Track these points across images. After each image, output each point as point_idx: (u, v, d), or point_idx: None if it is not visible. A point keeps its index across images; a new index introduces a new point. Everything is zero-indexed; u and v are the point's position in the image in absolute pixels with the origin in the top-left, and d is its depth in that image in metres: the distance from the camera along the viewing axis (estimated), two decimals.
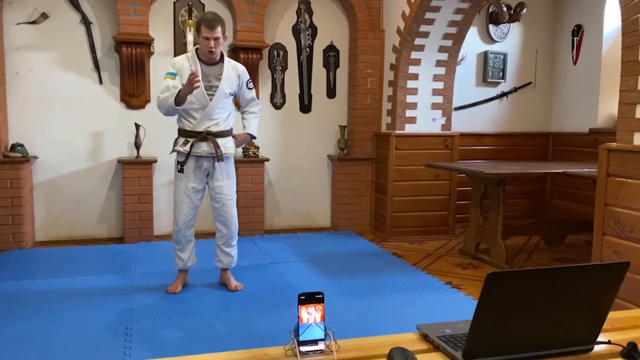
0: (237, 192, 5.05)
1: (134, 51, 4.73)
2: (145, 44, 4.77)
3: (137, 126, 4.82)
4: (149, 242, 4.84)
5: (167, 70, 3.36)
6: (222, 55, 3.39)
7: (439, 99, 5.18)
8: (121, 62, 4.82)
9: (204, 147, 3.33)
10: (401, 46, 4.97)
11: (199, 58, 3.32)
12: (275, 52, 5.34)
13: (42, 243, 4.83)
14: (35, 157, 4.76)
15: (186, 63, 3.32)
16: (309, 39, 5.43)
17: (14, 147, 4.58)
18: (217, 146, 3.31)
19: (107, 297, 3.39)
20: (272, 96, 5.37)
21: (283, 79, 5.39)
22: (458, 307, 3.32)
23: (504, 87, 5.93)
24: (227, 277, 3.59)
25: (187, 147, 3.31)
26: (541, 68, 6.05)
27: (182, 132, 3.39)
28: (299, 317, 1.37)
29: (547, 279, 1.19)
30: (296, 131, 5.48)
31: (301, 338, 1.33)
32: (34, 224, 4.84)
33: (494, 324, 1.21)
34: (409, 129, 5.14)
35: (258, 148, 5.17)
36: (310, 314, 1.38)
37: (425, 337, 1.41)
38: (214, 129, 3.34)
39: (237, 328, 2.94)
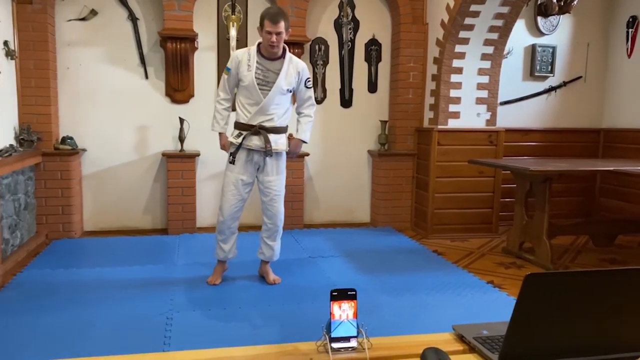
0: None
1: (178, 46, 4.81)
2: (190, 39, 4.84)
3: (181, 120, 4.91)
4: (191, 234, 4.93)
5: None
6: (284, 50, 3.38)
7: (484, 94, 5.05)
8: (166, 57, 4.92)
9: (255, 141, 3.34)
10: (445, 39, 4.87)
11: (260, 52, 3.34)
12: (316, 47, 5.32)
13: (89, 233, 5.00)
14: (84, 150, 4.92)
15: (245, 57, 3.34)
16: (350, 33, 5.40)
17: (64, 140, 4.75)
18: (267, 141, 3.32)
19: (149, 287, 3.47)
20: (314, 91, 5.35)
21: (324, 74, 5.38)
22: (499, 308, 3.23)
23: (552, 81, 5.73)
24: (266, 270, 3.62)
25: (239, 140, 3.34)
26: (593, 61, 5.82)
27: (237, 125, 3.42)
28: (331, 314, 1.36)
29: (591, 282, 1.14)
30: (337, 126, 5.46)
31: (333, 334, 1.32)
32: (83, 215, 5.01)
33: (533, 327, 1.16)
34: (452, 124, 5.03)
35: None
36: (343, 311, 1.37)
37: (461, 338, 1.37)
38: (267, 124, 3.35)
39: (273, 321, 2.96)
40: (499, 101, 5.29)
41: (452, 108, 5.01)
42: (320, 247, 4.56)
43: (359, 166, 5.58)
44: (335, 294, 1.37)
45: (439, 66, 4.98)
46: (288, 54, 3.40)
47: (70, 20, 4.80)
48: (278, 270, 3.76)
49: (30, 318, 2.92)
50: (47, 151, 4.60)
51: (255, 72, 3.30)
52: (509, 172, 4.70)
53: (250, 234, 4.59)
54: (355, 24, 5.40)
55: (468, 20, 4.71)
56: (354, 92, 5.48)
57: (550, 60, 5.65)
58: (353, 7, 5.37)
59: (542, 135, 5.73)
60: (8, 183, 3.94)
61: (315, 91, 5.36)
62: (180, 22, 4.79)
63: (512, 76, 5.58)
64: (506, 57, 5.49)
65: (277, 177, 3.48)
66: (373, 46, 5.46)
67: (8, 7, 4.32)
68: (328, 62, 5.38)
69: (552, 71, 5.67)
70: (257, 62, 3.31)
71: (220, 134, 3.50)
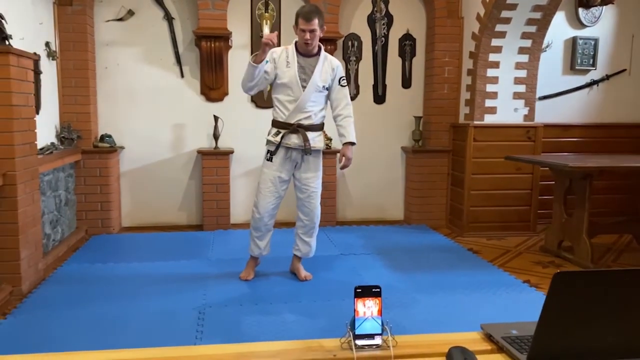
0: None
1: (213, 45, 4.86)
2: (224, 38, 4.89)
3: (216, 118, 4.97)
4: (225, 230, 4.99)
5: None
6: (319, 48, 3.40)
7: (522, 88, 4.93)
8: (201, 56, 4.98)
9: (294, 140, 3.36)
10: (481, 33, 4.77)
11: (297, 50, 3.36)
12: (349, 43, 5.30)
13: (127, 229, 5.11)
14: (122, 148, 5.04)
15: (284, 54, 3.36)
16: (384, 28, 5.34)
17: (103, 138, 4.87)
18: (306, 139, 3.33)
19: (183, 282, 3.53)
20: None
21: (357, 70, 5.35)
22: (534, 307, 3.09)
23: (594, 74, 5.54)
24: (297, 266, 3.62)
25: (278, 138, 3.36)
26: (638, 54, 5.59)
27: (275, 123, 3.44)
28: (355, 310, 1.34)
29: (623, 282, 1.09)
30: (369, 122, 5.42)
31: (357, 332, 1.30)
32: (121, 211, 5.14)
33: (562, 328, 1.12)
34: (489, 119, 4.93)
35: (331, 140, 5.16)
36: (368, 308, 1.35)
37: (489, 337, 1.34)
38: (305, 122, 3.36)
39: (303, 318, 2.96)
40: (537, 96, 5.15)
41: (489, 103, 4.91)
42: (353, 244, 4.54)
43: (392, 163, 5.53)
44: (360, 290, 1.35)
45: (475, 60, 4.88)
46: (323, 52, 3.41)
47: (108, 20, 4.92)
48: (309, 267, 3.76)
49: (68, 311, 3.01)
50: (86, 149, 4.73)
51: (297, 69, 3.31)
52: (547, 168, 4.57)
53: (282, 231, 4.60)
54: (389, 19, 5.34)
55: (505, 13, 4.60)
56: (387, 88, 5.42)
57: (592, 53, 5.46)
58: (387, 2, 5.32)
59: (583, 131, 5.54)
60: (49, 180, 4.06)
61: (347, 87, 5.33)
62: (214, 21, 4.84)
63: (552, 70, 5.41)
64: (545, 51, 5.33)
65: (314, 175, 3.48)
66: (407, 41, 5.40)
67: (50, 9, 4.46)
68: (361, 58, 5.35)
69: (594, 64, 5.48)
70: (297, 60, 3.33)
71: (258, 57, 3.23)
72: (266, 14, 5.08)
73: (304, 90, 3.31)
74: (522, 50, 4.84)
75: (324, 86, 3.37)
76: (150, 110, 5.07)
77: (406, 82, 5.45)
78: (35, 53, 4.03)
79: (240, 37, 5.12)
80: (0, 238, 3.16)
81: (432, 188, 5.36)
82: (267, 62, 3.32)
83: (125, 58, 4.99)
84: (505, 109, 4.92)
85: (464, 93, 5.13)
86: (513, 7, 4.54)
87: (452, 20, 5.17)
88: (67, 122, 4.66)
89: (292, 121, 3.35)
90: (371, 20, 5.32)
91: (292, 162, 3.44)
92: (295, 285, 3.49)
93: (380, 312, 1.35)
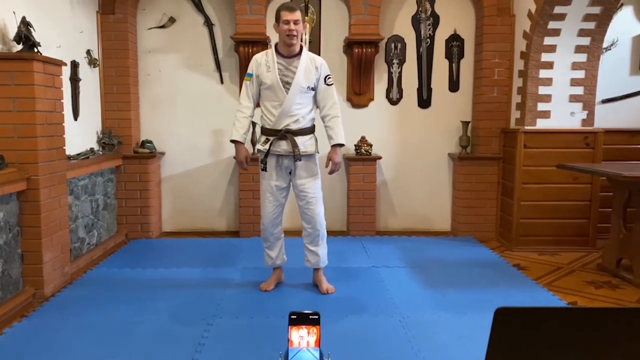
0: (348, 190, 4.99)
1: (250, 50, 4.80)
2: (262, 42, 4.82)
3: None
4: (260, 237, 4.89)
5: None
6: (301, 48, 3.28)
7: (579, 90, 4.50)
8: (240, 61, 4.94)
9: (283, 146, 3.24)
10: (532, 31, 4.40)
11: (278, 52, 3.24)
12: (392, 45, 5.08)
13: (167, 233, 5.15)
14: (163, 153, 5.09)
15: (263, 59, 3.27)
16: (429, 28, 5.08)
17: (143, 144, 4.93)
18: (295, 145, 3.20)
19: (203, 289, 3.46)
20: (388, 91, 5.12)
21: (400, 73, 5.11)
22: None
23: None
24: (319, 278, 3.46)
25: (267, 146, 3.25)
26: None
27: (263, 130, 3.35)
28: (288, 340, 1.17)
29: (575, 322, 0.85)
30: (414, 128, 5.16)
31: None
32: (161, 215, 5.18)
33: None
34: (541, 124, 4.54)
35: (371, 146, 4.96)
36: (302, 338, 1.17)
37: None
38: (293, 127, 3.23)
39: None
40: (599, 99, 4.70)
41: (541, 107, 4.52)
42: (388, 256, 4.30)
43: (438, 171, 5.24)
44: (295, 317, 1.18)
45: (526, 61, 4.52)
46: (305, 51, 3.27)
47: (150, 28, 4.99)
48: (336, 278, 3.60)
49: (82, 315, 3.01)
50: (127, 154, 4.81)
51: (278, 71, 3.19)
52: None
53: None
54: (435, 19, 5.07)
55: (558, 9, 4.22)
56: (432, 92, 5.15)
57: None
58: (432, 2, 5.05)
59: None
60: (85, 184, 4.14)
61: (390, 91, 5.12)
62: (251, 25, 4.79)
63: (617, 70, 4.94)
64: (609, 49, 4.88)
65: (310, 180, 3.33)
66: (454, 42, 5.10)
67: (93, 18, 4.58)
68: (405, 61, 5.11)
69: None
70: (277, 62, 3.21)
71: (237, 145, 3.37)
72: (306, 17, 4.97)
73: (287, 93, 3.16)
74: (579, 49, 4.42)
75: (308, 87, 3.22)
76: (191, 116, 5.10)
77: (453, 85, 5.15)
78: (74, 61, 4.14)
79: None
80: (24, 241, 3.22)
81: (480, 198, 5.01)
82: (251, 75, 3.28)
83: (167, 65, 5.05)
84: (560, 113, 4.52)
85: (515, 96, 4.77)
86: (567, 1, 4.16)
87: (502, 18, 4.82)
88: (108, 128, 4.76)
89: (280, 127, 3.22)
90: (416, 21, 5.08)
91: (285, 169, 3.32)
92: (314, 299, 3.32)
93: (318, 343, 1.17)
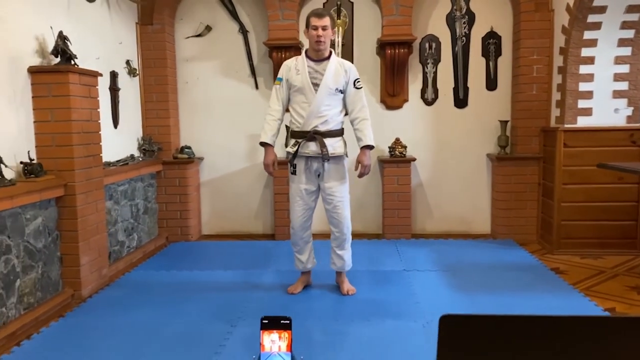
0: (383, 193, 4.96)
1: (283, 55, 4.85)
2: (294, 47, 4.87)
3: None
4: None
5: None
6: (330, 53, 3.31)
7: (623, 86, 4.29)
8: (273, 67, 5.00)
9: (312, 147, 3.26)
10: (571, 26, 4.23)
11: (307, 57, 3.28)
12: (426, 45, 5.00)
13: (207, 236, 5.28)
14: (201, 158, 5.22)
15: (293, 64, 3.32)
16: (465, 27, 4.97)
17: (182, 149, 5.08)
18: (323, 145, 3.22)
19: (233, 291, 3.53)
20: (423, 92, 5.05)
21: (435, 73, 5.03)
22: None
23: None
24: (341, 279, 3.48)
25: (296, 148, 3.28)
26: None
27: (292, 133, 3.39)
28: (260, 344, 1.18)
29: (519, 330, 0.82)
30: (450, 128, 5.07)
31: None
32: (200, 219, 5.32)
33: None
34: (582, 122, 4.35)
35: (405, 147, 4.91)
36: (274, 342, 1.19)
37: None
38: (321, 128, 3.25)
39: (333, 338, 2.79)
40: None
41: (582, 104, 4.34)
42: (421, 259, 4.24)
43: (476, 172, 5.11)
44: (266, 322, 1.20)
45: (565, 57, 4.35)
46: (334, 56, 3.31)
47: (188, 37, 5.14)
48: (363, 281, 3.60)
49: (114, 316, 3.14)
50: (166, 160, 4.97)
51: (307, 73, 3.24)
52: None
53: None
54: (471, 17, 4.96)
55: (598, 1, 4.03)
56: (469, 91, 5.04)
57: None
58: (468, 0, 4.95)
59: None
60: (124, 190, 4.31)
61: (425, 92, 5.05)
62: (283, 31, 4.84)
63: None
64: None
65: (338, 183, 3.33)
66: (491, 39, 4.97)
67: (132, 29, 4.77)
68: (440, 60, 5.03)
69: None
70: (307, 65, 3.26)
71: (266, 147, 3.39)
72: (339, 20, 4.98)
73: (316, 93, 3.19)
74: (622, 43, 4.21)
75: (337, 88, 3.24)
76: (228, 121, 5.21)
77: (491, 84, 5.02)
78: (113, 71, 4.32)
79: None
80: (62, 245, 3.39)
81: (520, 199, 4.85)
82: (281, 79, 3.32)
83: (204, 72, 5.18)
84: (602, 110, 4.32)
85: (555, 93, 4.59)
86: None
87: (540, 13, 4.66)
88: (148, 135, 4.94)
89: (308, 128, 3.24)
90: (450, 20, 4.98)
91: (314, 172, 3.34)
92: (337, 301, 3.32)
93: (289, 348, 1.18)
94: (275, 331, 1.17)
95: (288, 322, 1.17)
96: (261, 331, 1.17)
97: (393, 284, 3.65)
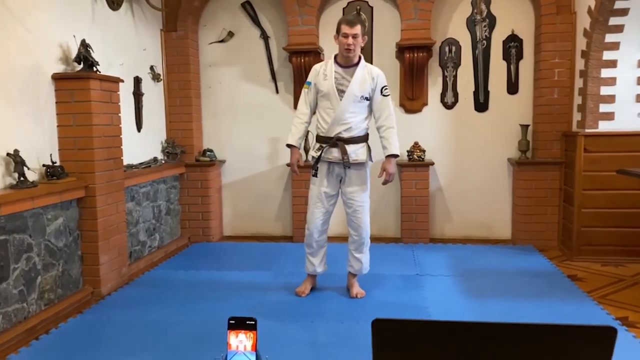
0: (401, 197, 4.96)
1: (302, 60, 4.93)
2: (313, 52, 4.93)
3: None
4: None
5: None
6: (360, 59, 3.33)
7: None
8: (293, 71, 5.08)
9: (334, 153, 3.31)
10: (592, 29, 4.16)
11: (336, 62, 3.33)
12: (446, 48, 4.99)
13: (228, 237, 5.39)
14: (223, 161, 5.34)
15: (322, 69, 3.37)
16: (485, 30, 4.94)
17: (205, 152, 5.21)
18: (344, 152, 3.26)
19: (245, 291, 3.62)
20: (443, 95, 5.03)
21: (455, 76, 5.01)
22: (619, 352, 2.61)
23: None
24: (351, 282, 3.52)
25: (319, 153, 3.33)
26: None
27: (318, 138, 3.45)
28: (227, 344, 1.25)
29: (455, 336, 0.85)
30: (470, 132, 5.03)
31: None
32: (222, 220, 5.44)
33: None
34: (604, 126, 4.26)
35: (424, 151, 4.90)
36: (240, 342, 1.24)
37: None
38: (345, 135, 3.29)
39: (337, 340, 2.83)
40: None
41: (604, 108, 4.25)
42: (436, 264, 4.23)
43: (497, 176, 5.06)
44: (233, 322, 1.26)
45: (586, 60, 4.27)
46: (362, 62, 3.33)
47: (211, 43, 5.27)
48: (375, 285, 3.62)
49: (129, 314, 3.26)
50: (189, 162, 5.11)
51: (334, 79, 3.27)
52: None
53: (342, 245, 4.46)
54: (491, 20, 4.92)
55: (619, 4, 3.96)
56: (490, 95, 4.99)
57: None
58: (488, 3, 4.91)
59: None
60: (146, 191, 4.46)
61: (444, 96, 5.04)
62: (303, 36, 4.91)
63: None
64: None
65: (359, 189, 3.37)
66: (512, 42, 4.92)
67: (157, 36, 4.92)
68: (460, 64, 5.00)
69: None
70: (334, 71, 3.28)
71: (292, 149, 3.47)
72: None
73: (341, 100, 3.21)
74: None
75: (362, 96, 3.26)
76: (249, 125, 5.31)
77: (512, 87, 4.96)
78: (137, 76, 4.47)
79: (334, 50, 5.10)
80: (83, 244, 3.54)
81: (541, 205, 4.78)
82: (310, 83, 3.38)
83: (226, 77, 5.30)
84: (625, 115, 4.22)
85: (577, 97, 4.51)
86: None
87: (562, 16, 4.59)
88: (172, 138, 5.08)
89: (332, 134, 3.29)
90: (471, 23, 4.96)
91: (336, 177, 3.38)
92: (346, 304, 3.36)
93: (254, 347, 1.24)
94: (242, 331, 1.23)
95: (253, 322, 1.23)
96: (228, 331, 1.23)
97: (403, 289, 3.66)
